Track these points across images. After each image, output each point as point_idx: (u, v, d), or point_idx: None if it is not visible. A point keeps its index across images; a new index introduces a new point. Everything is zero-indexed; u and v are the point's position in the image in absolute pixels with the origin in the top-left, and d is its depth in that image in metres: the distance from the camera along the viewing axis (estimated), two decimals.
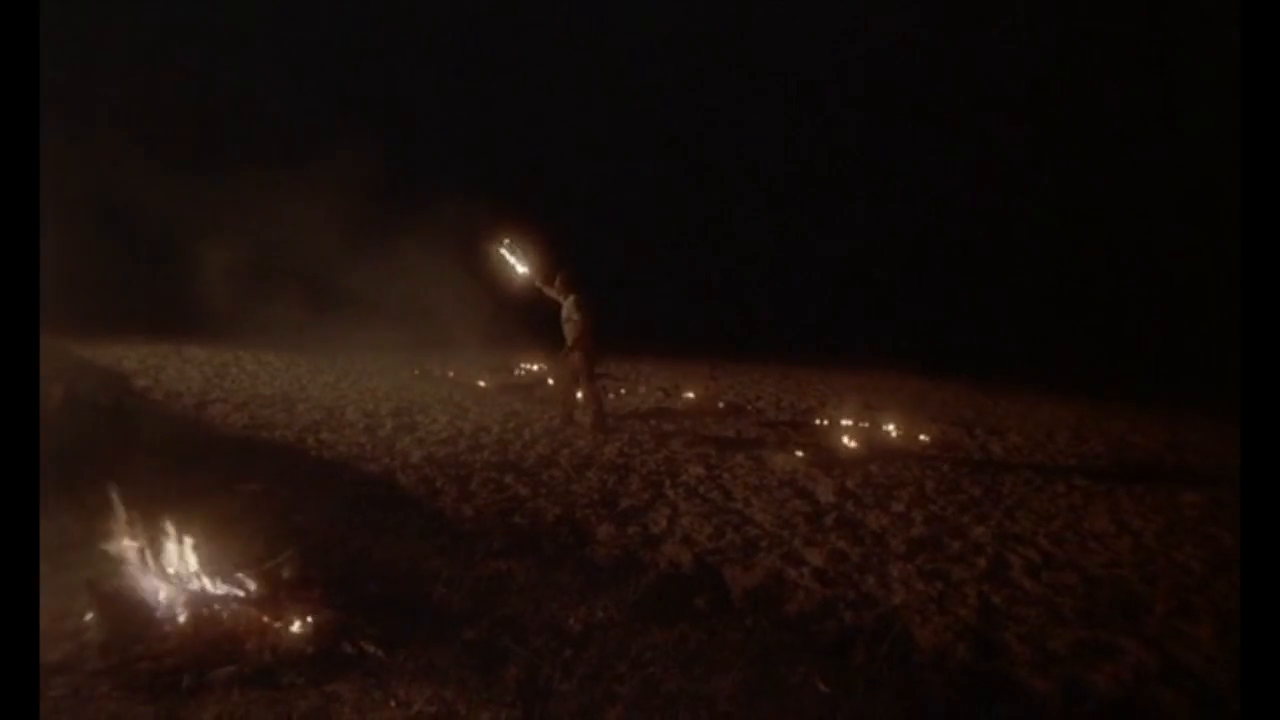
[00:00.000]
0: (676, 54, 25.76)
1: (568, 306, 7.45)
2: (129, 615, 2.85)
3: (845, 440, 7.55)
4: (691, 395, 10.11)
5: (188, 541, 3.20)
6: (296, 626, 2.91)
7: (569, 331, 7.44)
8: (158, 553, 3.14)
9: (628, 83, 24.59)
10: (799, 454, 6.92)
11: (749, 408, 9.58)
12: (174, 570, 3.10)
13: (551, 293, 7.64)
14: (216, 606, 2.98)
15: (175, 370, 9.64)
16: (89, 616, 2.83)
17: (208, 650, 2.75)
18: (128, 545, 3.15)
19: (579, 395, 7.71)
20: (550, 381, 10.43)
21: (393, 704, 2.57)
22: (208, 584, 3.08)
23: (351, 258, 12.70)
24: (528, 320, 10.71)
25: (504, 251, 7.81)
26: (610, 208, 21.89)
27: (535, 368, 11.82)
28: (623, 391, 10.39)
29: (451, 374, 11.00)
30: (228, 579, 3.12)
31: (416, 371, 11.07)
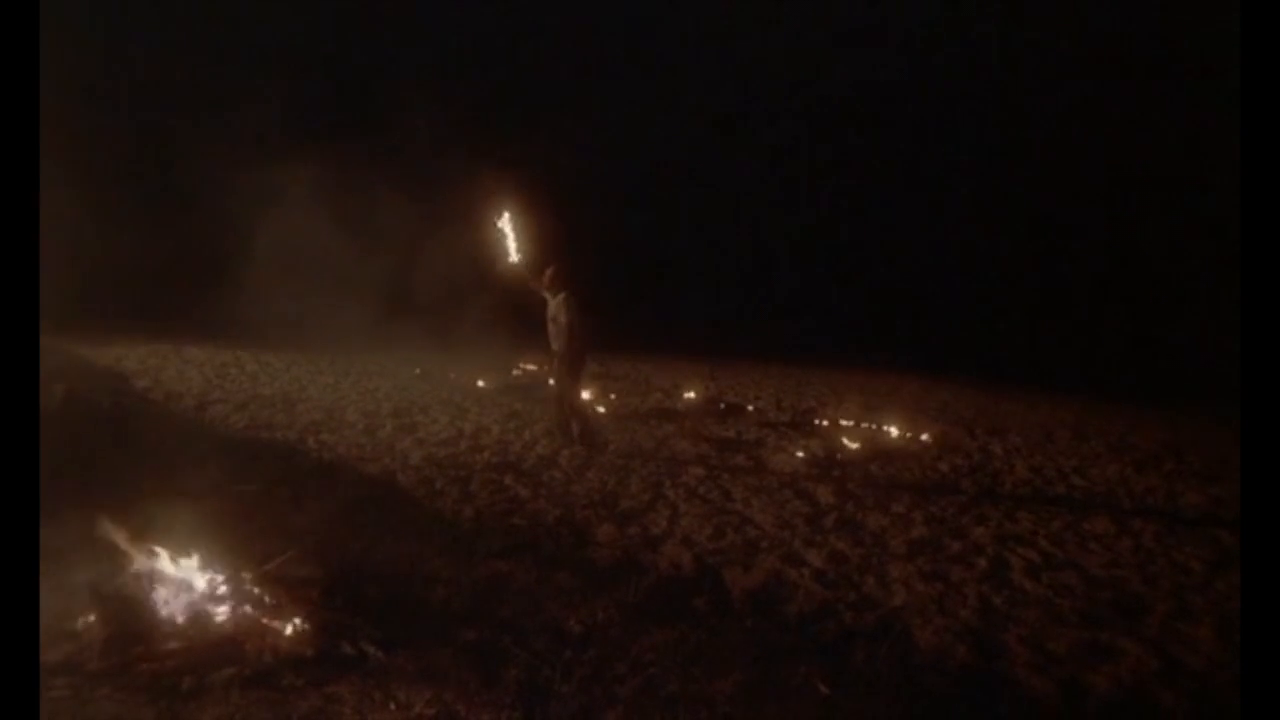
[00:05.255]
0: (673, 47, 25.75)
1: (554, 305, 6.58)
2: (129, 616, 2.85)
3: (845, 440, 7.55)
4: (691, 395, 10.11)
5: (188, 543, 3.20)
6: (296, 628, 2.91)
7: (554, 334, 6.62)
8: (158, 554, 3.14)
9: (624, 79, 24.59)
10: (799, 454, 6.93)
11: (749, 408, 9.59)
12: (174, 571, 3.10)
13: (539, 286, 6.73)
14: (216, 608, 2.99)
15: (175, 370, 9.63)
16: (89, 617, 2.83)
17: (208, 652, 2.76)
18: (128, 546, 3.15)
19: (570, 407, 6.84)
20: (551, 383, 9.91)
21: (393, 705, 2.57)
22: (208, 585, 3.09)
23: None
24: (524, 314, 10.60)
25: (500, 226, 6.74)
26: (608, 208, 21.88)
27: (535, 368, 11.82)
28: (614, 396, 10.38)
29: (452, 374, 11.00)
30: (228, 580, 3.13)
31: (417, 371, 11.08)
